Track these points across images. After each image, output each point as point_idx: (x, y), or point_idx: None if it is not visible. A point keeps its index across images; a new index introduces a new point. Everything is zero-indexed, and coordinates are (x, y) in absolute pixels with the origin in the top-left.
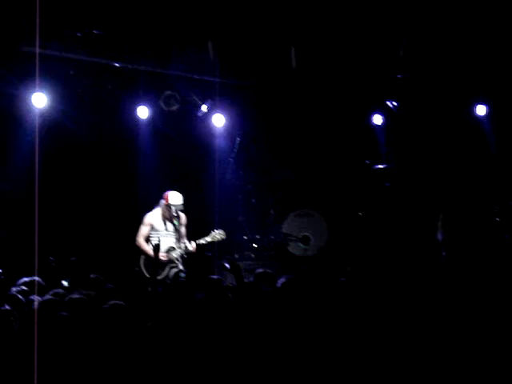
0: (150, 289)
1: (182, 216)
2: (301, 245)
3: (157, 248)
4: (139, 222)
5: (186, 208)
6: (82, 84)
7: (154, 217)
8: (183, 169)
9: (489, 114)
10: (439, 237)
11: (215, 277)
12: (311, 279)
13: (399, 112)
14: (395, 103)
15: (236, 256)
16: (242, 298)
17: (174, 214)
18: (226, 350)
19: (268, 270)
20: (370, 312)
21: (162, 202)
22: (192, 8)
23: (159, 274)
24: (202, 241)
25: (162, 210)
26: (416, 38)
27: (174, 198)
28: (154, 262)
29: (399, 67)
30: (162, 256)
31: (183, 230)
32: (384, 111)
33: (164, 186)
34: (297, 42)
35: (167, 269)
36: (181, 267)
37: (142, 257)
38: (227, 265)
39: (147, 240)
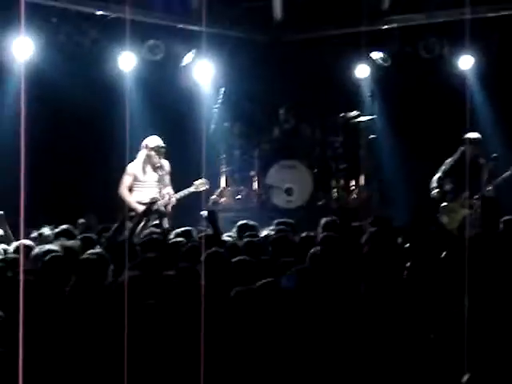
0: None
1: (166, 163)
2: (284, 196)
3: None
4: (122, 172)
5: (169, 159)
6: (65, 32)
7: (136, 167)
8: (167, 119)
9: (474, 66)
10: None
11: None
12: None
13: (386, 63)
14: (381, 55)
15: (219, 207)
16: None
17: (157, 162)
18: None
19: (251, 222)
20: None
21: (143, 149)
22: None
23: (142, 226)
24: (185, 191)
25: (144, 159)
26: None
27: (153, 140)
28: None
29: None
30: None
31: (167, 178)
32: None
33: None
34: None
35: (151, 221)
36: (165, 221)
37: (125, 207)
38: (205, 213)
39: (130, 190)
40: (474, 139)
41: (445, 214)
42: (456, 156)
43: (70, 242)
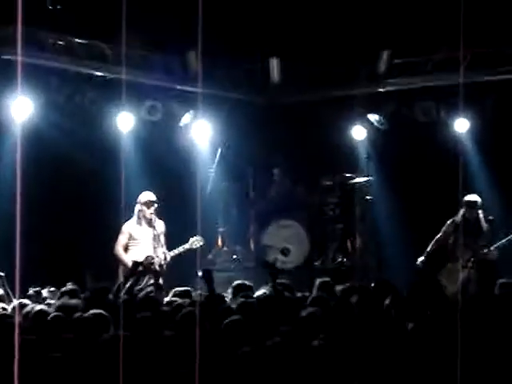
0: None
1: (161, 224)
2: (281, 256)
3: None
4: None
5: (166, 219)
6: (64, 93)
7: (131, 225)
8: (165, 178)
9: (470, 129)
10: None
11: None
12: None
13: (382, 127)
14: (378, 117)
15: (216, 267)
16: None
17: (149, 216)
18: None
19: (246, 282)
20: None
21: (137, 206)
22: (174, 17)
23: (138, 286)
24: (180, 249)
25: (137, 214)
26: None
27: (144, 195)
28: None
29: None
30: (141, 266)
31: (162, 238)
32: (366, 125)
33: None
34: (279, 55)
35: (145, 279)
36: (160, 281)
37: (121, 267)
38: (200, 273)
39: (126, 249)
40: (473, 202)
41: (445, 276)
42: (457, 218)
43: (73, 301)
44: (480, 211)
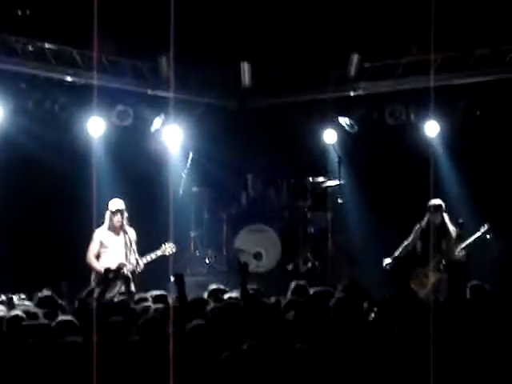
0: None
1: (131, 231)
2: (253, 260)
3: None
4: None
5: (138, 223)
6: (34, 98)
7: (102, 232)
8: (136, 183)
9: (440, 132)
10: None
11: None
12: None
13: (352, 130)
14: (348, 121)
15: (188, 271)
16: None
17: (118, 223)
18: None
19: (221, 286)
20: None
21: (107, 213)
22: (146, 22)
23: (109, 292)
24: (152, 255)
25: (107, 221)
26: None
27: (112, 203)
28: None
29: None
30: (112, 273)
31: (133, 245)
32: (337, 128)
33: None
34: (251, 58)
35: (118, 286)
36: (132, 287)
37: (93, 273)
38: (172, 277)
39: (98, 257)
40: (437, 205)
41: (415, 281)
42: (423, 222)
43: (32, 308)
44: (445, 214)
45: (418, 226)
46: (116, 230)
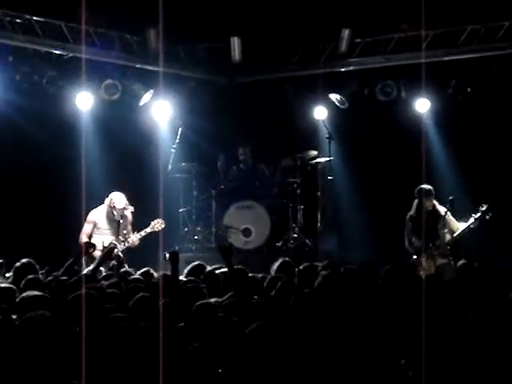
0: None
1: (128, 215)
2: (242, 237)
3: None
4: (80, 213)
5: (127, 198)
6: (22, 71)
7: (97, 215)
8: (125, 158)
9: (430, 109)
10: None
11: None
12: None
13: (343, 106)
14: (339, 97)
15: (177, 248)
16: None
17: (117, 218)
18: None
19: (201, 263)
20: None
21: (107, 200)
22: None
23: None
24: (142, 232)
25: (106, 212)
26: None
27: (116, 200)
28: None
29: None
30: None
31: (129, 227)
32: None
33: (106, 178)
34: (242, 33)
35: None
36: (125, 266)
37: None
38: (167, 254)
39: (90, 237)
40: (429, 190)
41: (421, 266)
42: (411, 212)
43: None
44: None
45: (408, 216)
46: (112, 219)
